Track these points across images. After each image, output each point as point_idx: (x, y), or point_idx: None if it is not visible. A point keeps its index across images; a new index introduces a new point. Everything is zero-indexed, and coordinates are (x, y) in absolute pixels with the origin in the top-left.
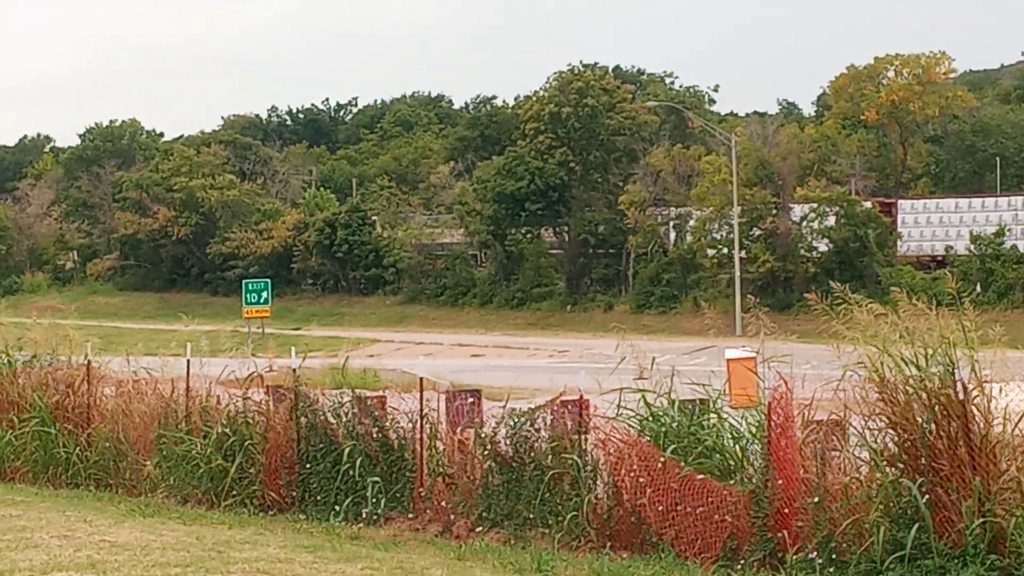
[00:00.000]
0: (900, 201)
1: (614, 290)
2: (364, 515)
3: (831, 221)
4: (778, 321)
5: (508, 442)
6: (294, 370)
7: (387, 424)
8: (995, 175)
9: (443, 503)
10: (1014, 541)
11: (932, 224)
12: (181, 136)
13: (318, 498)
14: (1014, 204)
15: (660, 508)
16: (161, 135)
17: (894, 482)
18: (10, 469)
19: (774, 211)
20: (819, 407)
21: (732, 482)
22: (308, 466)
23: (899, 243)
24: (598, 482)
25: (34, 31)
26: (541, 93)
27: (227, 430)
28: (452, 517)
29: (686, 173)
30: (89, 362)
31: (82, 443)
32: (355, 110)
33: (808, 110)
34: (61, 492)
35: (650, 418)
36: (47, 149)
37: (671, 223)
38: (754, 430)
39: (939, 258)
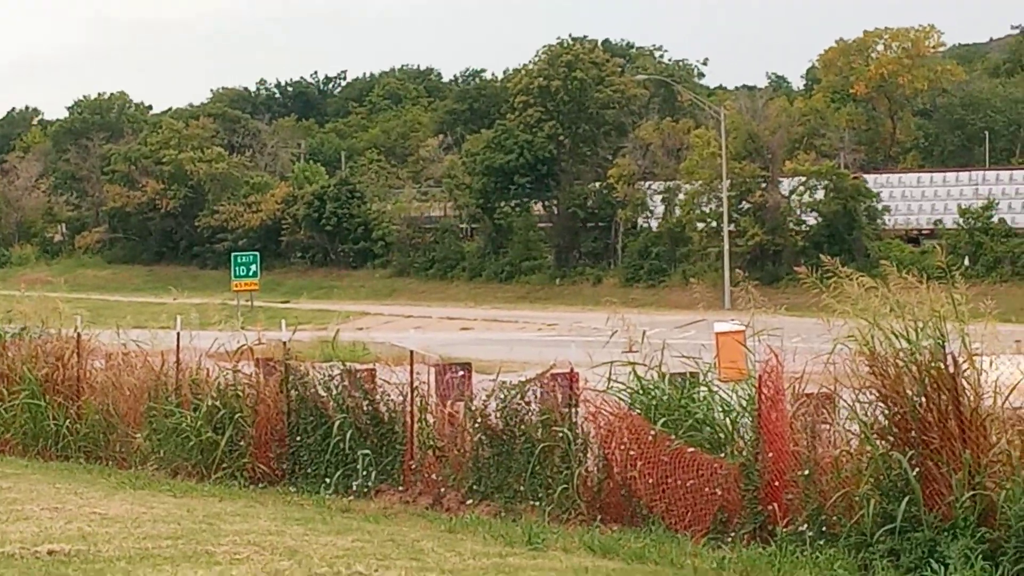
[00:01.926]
0: (888, 175)
1: (603, 263)
2: (354, 488)
3: (820, 195)
4: (767, 294)
5: (498, 415)
6: (284, 343)
7: (377, 397)
8: (984, 149)
9: (433, 476)
10: (1004, 514)
11: (920, 198)
12: (170, 109)
13: (308, 471)
14: (1003, 178)
15: (650, 481)
16: (150, 108)
17: (884, 455)
18: (0, 441)
19: (763, 185)
20: (809, 380)
21: (722, 455)
22: (298, 439)
23: (887, 216)
24: (588, 455)
25: (23, 5)
26: (530, 66)
27: (217, 403)
28: (442, 490)
29: (675, 147)
30: (79, 335)
31: (72, 415)
32: (344, 83)
33: (797, 84)
34: (51, 464)
35: (640, 391)
36: (35, 122)
37: (660, 196)
38: (744, 403)
39: (927, 232)
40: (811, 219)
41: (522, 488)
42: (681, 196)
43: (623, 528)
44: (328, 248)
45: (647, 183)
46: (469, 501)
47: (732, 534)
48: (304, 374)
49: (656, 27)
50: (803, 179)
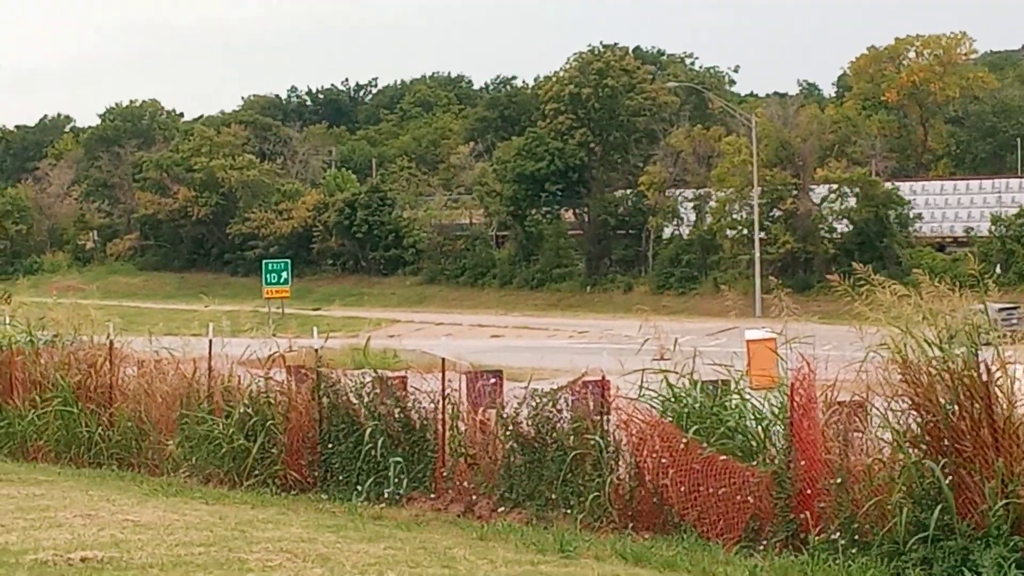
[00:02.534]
0: (919, 182)
1: (634, 271)
2: (386, 495)
3: (852, 202)
4: (798, 302)
5: (530, 423)
6: (316, 350)
7: (409, 404)
8: (1016, 156)
9: (465, 483)
10: None
11: (952, 205)
12: (201, 116)
13: (340, 478)
14: None
15: (682, 489)
16: (181, 115)
17: (917, 463)
18: (33, 448)
19: (794, 192)
20: (842, 388)
21: (754, 463)
22: (330, 446)
23: (918, 224)
24: (620, 463)
25: (57, 13)
26: (561, 74)
27: (249, 410)
28: (474, 497)
29: (706, 154)
30: (111, 342)
31: (104, 423)
32: (375, 90)
33: (828, 91)
34: (84, 471)
35: (672, 399)
36: (68, 129)
37: (691, 204)
38: (776, 411)
39: (959, 239)
40: (842, 227)
41: (554, 496)
42: (712, 203)
43: (655, 536)
44: (359, 255)
45: (678, 190)
46: (501, 509)
47: (764, 542)
48: (336, 381)
49: (687, 34)
50: (834, 187)
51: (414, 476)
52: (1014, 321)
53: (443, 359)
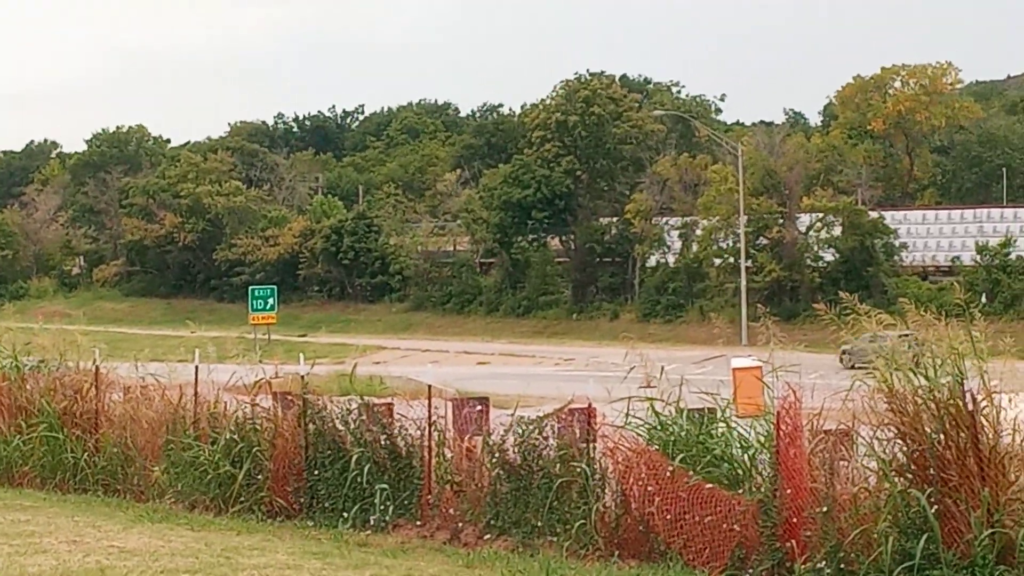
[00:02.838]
0: (905, 211)
1: (620, 299)
2: (372, 522)
3: (837, 231)
4: (785, 330)
5: (516, 450)
6: (302, 377)
7: (395, 431)
8: (1001, 186)
9: (451, 510)
10: (1023, 552)
11: (937, 235)
12: (188, 142)
13: (326, 505)
14: (1020, 215)
15: (668, 517)
16: (168, 141)
17: (903, 492)
18: (18, 474)
19: (780, 221)
20: (828, 417)
21: (740, 491)
22: (316, 473)
23: (904, 253)
24: (606, 490)
25: (41, 38)
26: (548, 101)
27: (235, 436)
28: (460, 524)
29: (692, 182)
30: (97, 367)
31: (90, 448)
32: (362, 117)
33: (815, 120)
34: (69, 497)
35: (658, 427)
36: (54, 155)
37: (677, 232)
38: (762, 439)
39: (944, 268)
40: (828, 255)
41: (540, 523)
42: (698, 232)
43: (641, 564)
44: (345, 282)
45: (664, 218)
46: (487, 536)
47: (750, 571)
48: (322, 408)
49: (674, 63)
50: (820, 215)
51: (400, 503)
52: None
53: (429, 386)
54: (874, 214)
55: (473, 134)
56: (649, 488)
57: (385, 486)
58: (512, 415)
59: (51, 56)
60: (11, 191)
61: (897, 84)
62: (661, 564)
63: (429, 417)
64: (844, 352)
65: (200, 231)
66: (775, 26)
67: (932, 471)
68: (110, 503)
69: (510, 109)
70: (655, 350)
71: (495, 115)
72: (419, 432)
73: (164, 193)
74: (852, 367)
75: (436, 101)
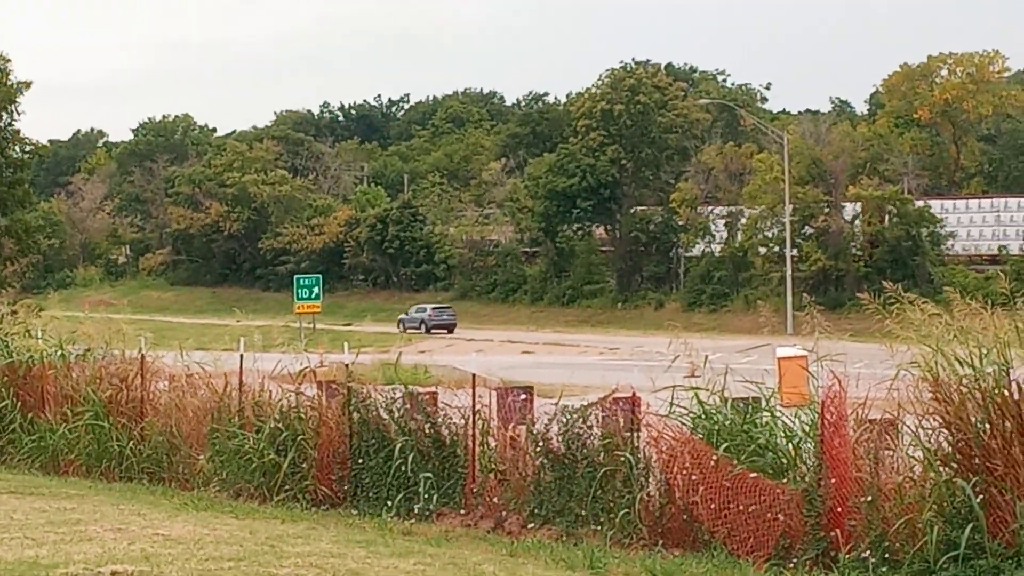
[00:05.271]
0: (952, 200)
1: (665, 288)
2: (416, 511)
3: (884, 220)
4: (830, 320)
5: (560, 439)
6: (347, 365)
7: (439, 420)
8: None
9: (495, 499)
10: None
11: (985, 224)
12: (233, 132)
13: (370, 493)
14: None
15: (712, 506)
16: (214, 130)
17: (948, 482)
18: (64, 462)
19: (826, 209)
20: (872, 406)
21: (785, 480)
22: (360, 461)
23: (951, 242)
24: (650, 480)
25: (90, 29)
26: (593, 90)
27: (280, 425)
28: (504, 513)
29: (738, 171)
30: (143, 356)
31: (135, 437)
32: (407, 106)
33: (861, 108)
34: (114, 485)
35: (703, 416)
36: (100, 144)
37: (722, 221)
38: (807, 429)
39: (991, 257)
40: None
41: (584, 512)
42: (743, 220)
43: (685, 553)
44: (390, 271)
45: (709, 207)
46: (531, 525)
47: (794, 560)
48: (366, 397)
49: (719, 51)
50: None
51: (444, 492)
52: None
53: (473, 375)
54: (920, 203)
55: (518, 123)
56: (693, 477)
57: (429, 475)
58: (556, 404)
59: (98, 48)
60: (58, 180)
61: (944, 72)
62: (705, 553)
63: (473, 406)
64: None
65: (246, 220)
66: (821, 15)
67: (977, 460)
68: (155, 491)
69: (555, 98)
70: (700, 339)
71: (541, 104)
72: (463, 421)
73: (210, 182)
74: None
75: (481, 90)
